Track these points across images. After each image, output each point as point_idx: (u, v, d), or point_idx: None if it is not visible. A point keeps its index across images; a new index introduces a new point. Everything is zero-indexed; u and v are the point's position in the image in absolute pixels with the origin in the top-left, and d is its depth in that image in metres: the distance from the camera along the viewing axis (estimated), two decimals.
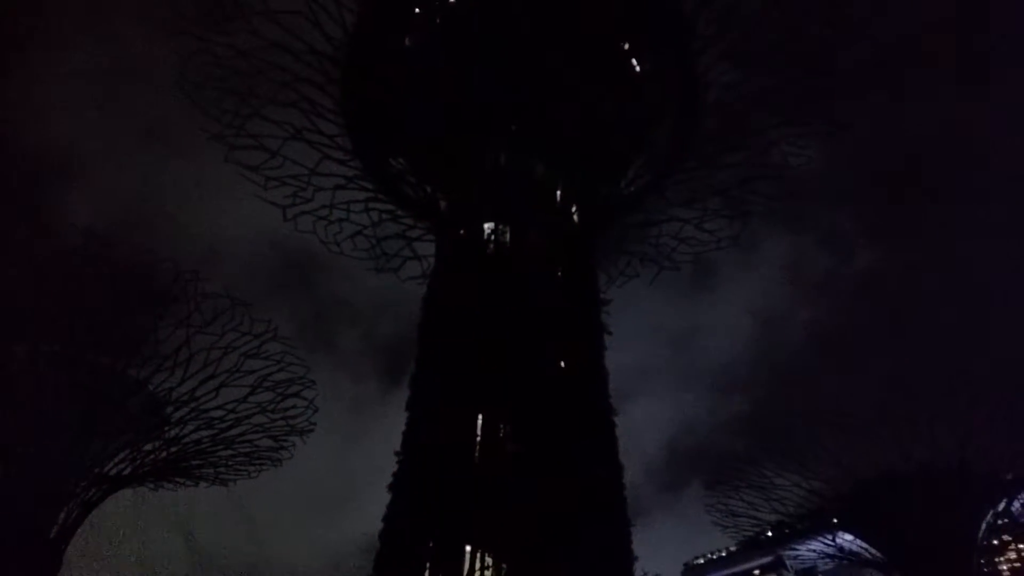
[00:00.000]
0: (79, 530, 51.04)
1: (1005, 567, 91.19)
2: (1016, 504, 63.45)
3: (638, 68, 39.91)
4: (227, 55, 39.29)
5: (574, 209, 37.74)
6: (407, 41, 39.99)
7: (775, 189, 42.91)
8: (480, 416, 30.38)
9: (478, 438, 29.97)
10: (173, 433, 51.98)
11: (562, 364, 32.78)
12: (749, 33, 38.85)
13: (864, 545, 63.93)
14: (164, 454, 53.03)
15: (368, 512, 30.14)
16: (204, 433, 53.00)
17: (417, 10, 39.25)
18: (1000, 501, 61.88)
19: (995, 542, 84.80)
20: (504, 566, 27.24)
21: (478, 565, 27.18)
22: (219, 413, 52.27)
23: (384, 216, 44.93)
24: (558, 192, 37.28)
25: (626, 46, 39.60)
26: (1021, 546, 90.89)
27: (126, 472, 51.98)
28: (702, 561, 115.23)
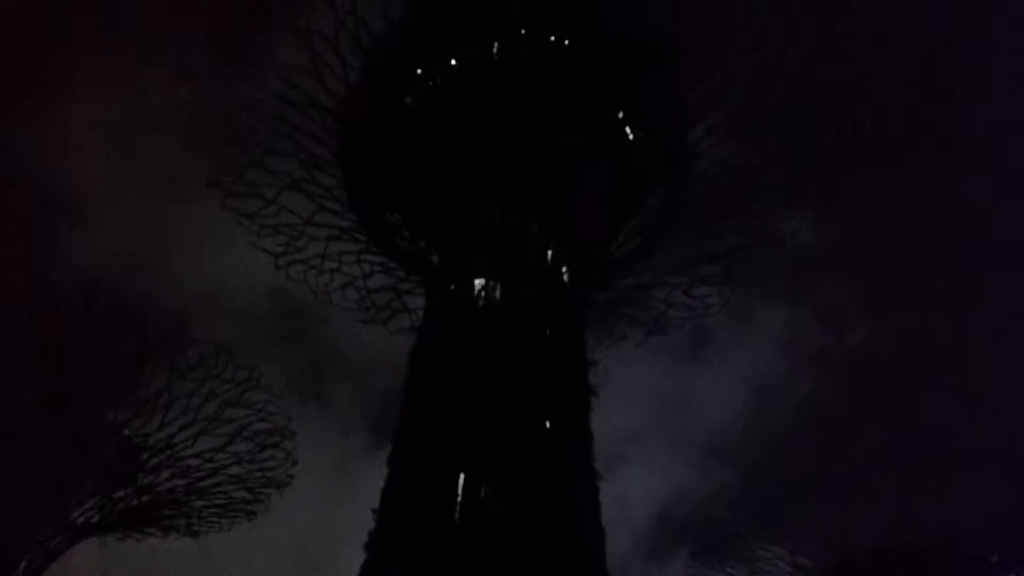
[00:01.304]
0: None
1: None
2: None
3: (631, 135, 40.67)
4: (230, 105, 39.92)
5: (564, 269, 37.96)
6: (407, 99, 40.72)
7: (765, 259, 43.50)
8: (462, 475, 29.94)
9: (459, 497, 29.49)
10: (147, 481, 50.79)
11: (547, 424, 32.48)
12: (741, 108, 39.87)
13: None
14: (135, 502, 51.67)
15: (354, 572, 29.40)
16: (178, 482, 51.80)
17: (419, 71, 40.03)
18: None
19: None
20: None
21: None
22: (195, 462, 51.23)
23: (376, 268, 45.07)
24: (549, 252, 37.55)
25: (620, 114, 40.43)
26: None
27: (94, 520, 50.52)
28: None
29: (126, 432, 49.45)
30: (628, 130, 40.35)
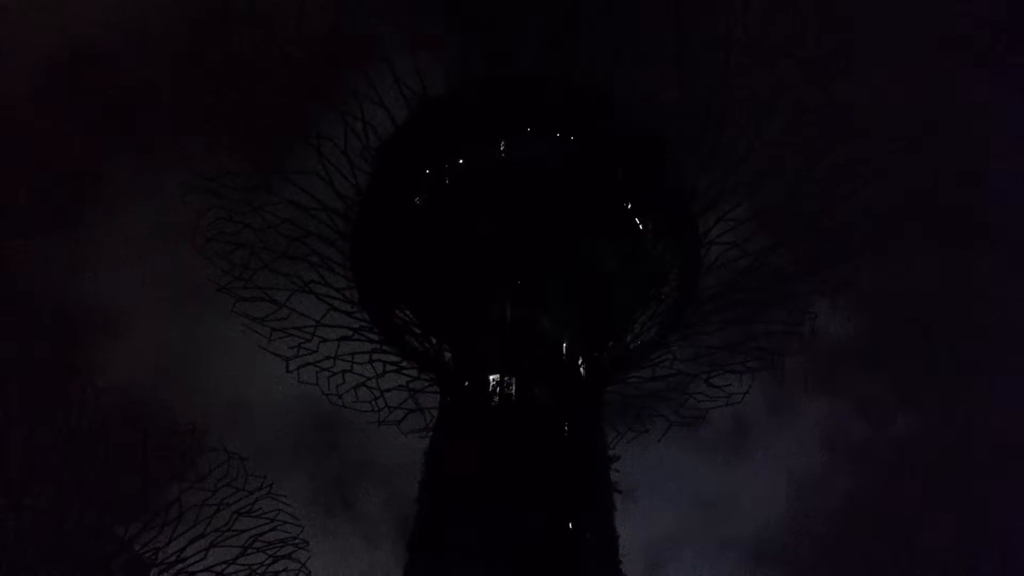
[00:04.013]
0: None
1: None
2: None
3: (641, 227, 40.89)
4: (241, 211, 40.58)
5: (579, 362, 37.51)
6: (416, 199, 41.29)
7: (787, 346, 43.06)
8: None
9: None
10: None
11: (569, 526, 31.37)
12: (748, 195, 40.25)
13: None
14: None
15: None
16: None
17: (427, 171, 40.74)
18: None
19: None
20: None
21: None
22: (207, 575, 49.56)
23: (388, 367, 44.64)
24: (564, 345, 37.20)
25: (628, 206, 40.78)
26: None
27: None
28: None
29: (136, 547, 48.03)
30: (638, 221, 40.62)
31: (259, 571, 50.89)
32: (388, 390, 45.58)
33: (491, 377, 35.44)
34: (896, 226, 40.59)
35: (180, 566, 48.99)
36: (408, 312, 43.15)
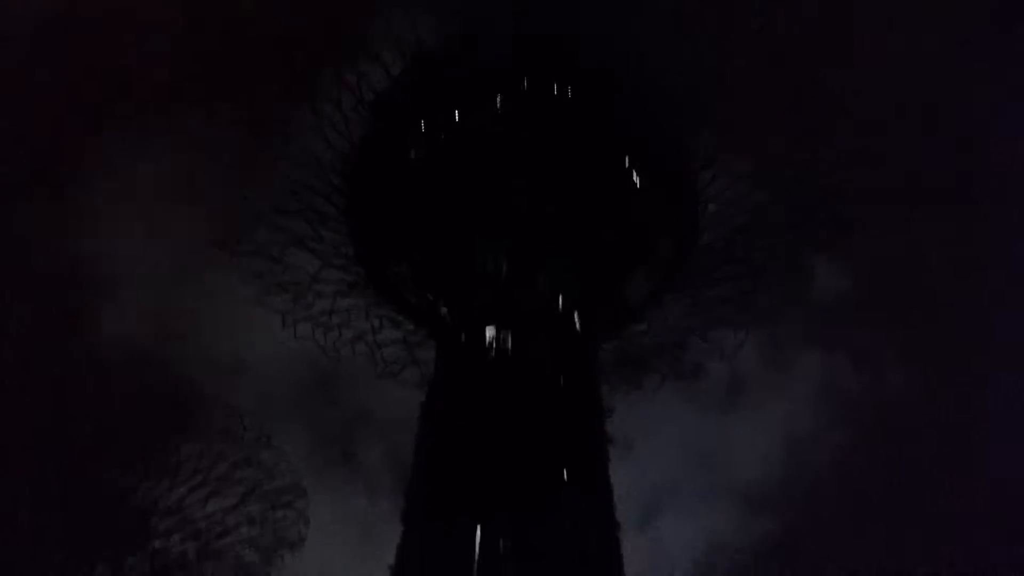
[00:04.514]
0: None
1: None
2: None
3: (638, 182, 40.73)
4: (236, 166, 40.28)
5: (576, 317, 37.69)
6: (412, 153, 40.98)
7: (781, 303, 43.30)
8: (478, 531, 29.30)
9: (476, 555, 28.80)
10: (158, 545, 49.95)
11: (564, 476, 31.89)
12: (749, 150, 40.03)
13: None
14: (147, 567, 50.74)
15: None
16: (190, 545, 50.93)
17: (423, 125, 40.37)
18: None
19: None
20: None
21: None
22: (206, 524, 50.44)
23: (385, 322, 44.78)
24: (559, 300, 37.34)
25: (626, 161, 40.56)
26: None
27: None
28: None
29: (136, 496, 48.79)
30: (635, 176, 40.45)
31: (258, 519, 51.84)
32: (385, 344, 45.81)
33: (487, 331, 35.67)
34: (897, 185, 40.45)
35: (179, 515, 49.84)
36: (404, 266, 43.14)
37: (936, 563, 53.49)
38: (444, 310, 40.95)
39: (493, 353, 35.04)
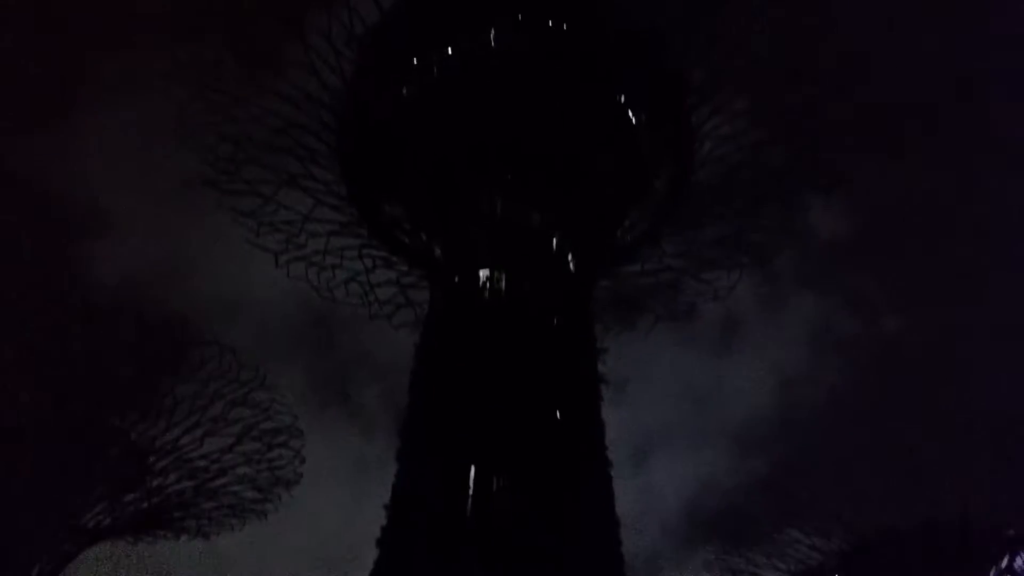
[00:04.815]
0: None
1: None
2: (1018, 560, 62.50)
3: (633, 120, 40.04)
4: (224, 102, 39.41)
5: (569, 257, 37.48)
6: (404, 91, 40.11)
7: (776, 242, 43.10)
8: (473, 469, 29.60)
9: (471, 491, 29.15)
10: (155, 483, 50.54)
11: (557, 415, 32.10)
12: (744, 89, 39.31)
13: None
14: (145, 505, 51.44)
15: None
16: (187, 483, 51.55)
17: (415, 61, 39.43)
18: (1003, 558, 60.97)
19: None
20: None
21: None
22: (203, 463, 50.97)
23: (378, 262, 44.52)
24: (554, 240, 37.07)
25: (622, 99, 39.80)
26: None
27: (105, 524, 50.33)
28: None
29: (132, 436, 49.14)
30: (631, 114, 39.74)
31: (255, 458, 52.42)
32: (378, 285, 45.66)
33: (481, 272, 35.47)
34: (896, 125, 39.88)
35: (177, 454, 50.34)
36: (397, 206, 42.65)
37: (927, 503, 54.87)
38: (438, 250, 40.63)
39: (487, 294, 34.92)
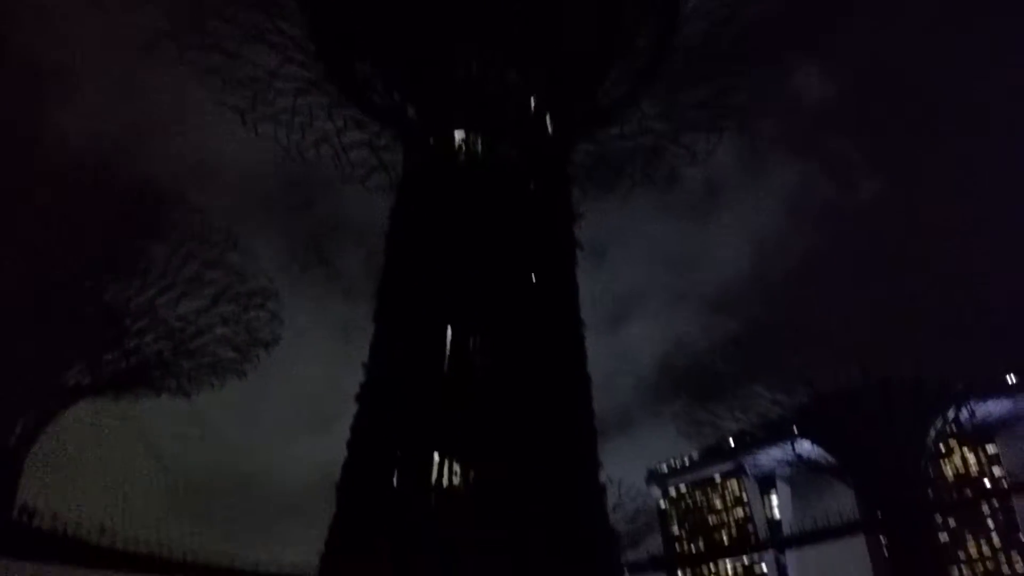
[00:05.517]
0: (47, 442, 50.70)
1: (950, 470, 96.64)
2: (964, 412, 66.63)
3: None
4: None
5: (548, 119, 36.61)
6: None
7: (755, 106, 42.18)
8: (449, 328, 30.11)
9: (447, 350, 29.76)
10: (132, 343, 51.03)
11: (532, 277, 32.40)
12: None
13: (821, 452, 66.96)
14: (124, 364, 52.18)
15: None
16: (164, 343, 52.16)
17: None
18: (949, 409, 64.84)
19: (942, 447, 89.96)
20: (472, 473, 27.47)
21: (446, 471, 27.38)
22: (179, 324, 51.39)
23: (349, 123, 43.12)
24: (532, 101, 36.07)
25: None
26: (966, 449, 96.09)
27: (85, 382, 51.19)
28: (666, 469, 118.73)
29: (105, 296, 49.05)
30: None
31: (232, 320, 52.92)
32: (350, 147, 44.43)
33: (456, 133, 34.61)
34: None
35: (152, 314, 50.61)
36: (369, 65, 40.80)
37: (885, 363, 57.40)
38: (411, 111, 39.37)
39: (463, 156, 34.27)
